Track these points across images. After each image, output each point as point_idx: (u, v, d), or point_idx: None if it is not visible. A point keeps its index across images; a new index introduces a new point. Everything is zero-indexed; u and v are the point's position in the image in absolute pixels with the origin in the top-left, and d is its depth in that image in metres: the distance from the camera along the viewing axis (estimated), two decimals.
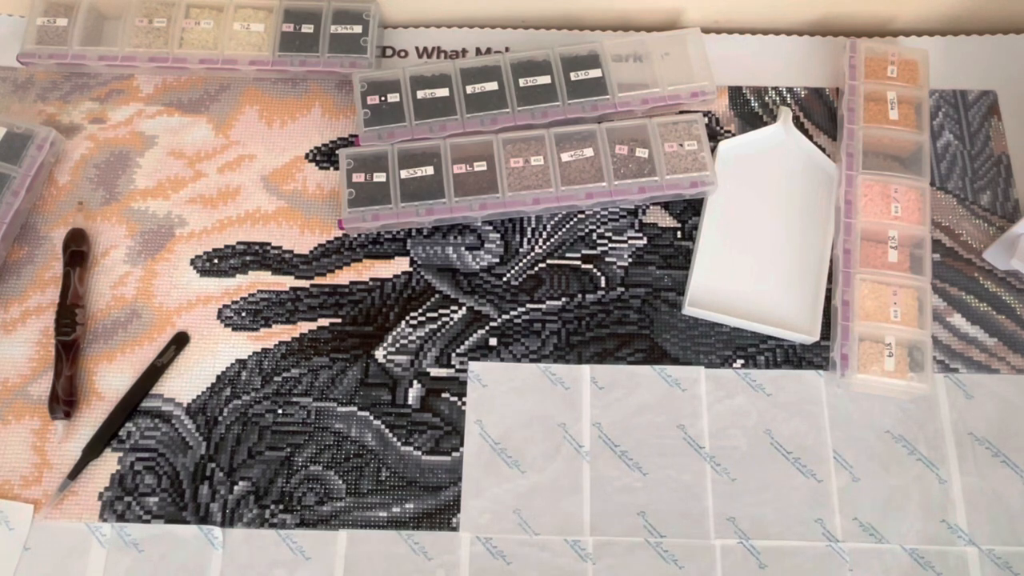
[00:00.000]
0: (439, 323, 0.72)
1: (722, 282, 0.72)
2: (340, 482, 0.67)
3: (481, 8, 0.84)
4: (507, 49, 0.83)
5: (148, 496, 0.66)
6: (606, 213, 0.76)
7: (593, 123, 0.76)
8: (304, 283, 0.73)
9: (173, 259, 0.74)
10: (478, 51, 0.83)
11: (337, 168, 0.77)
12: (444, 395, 0.69)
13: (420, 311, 0.72)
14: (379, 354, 0.71)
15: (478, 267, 0.74)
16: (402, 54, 0.83)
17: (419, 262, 0.74)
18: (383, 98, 0.76)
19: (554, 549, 0.64)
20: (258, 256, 0.74)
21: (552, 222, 0.76)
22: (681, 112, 0.79)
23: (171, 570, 0.64)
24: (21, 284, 0.73)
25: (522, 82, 0.77)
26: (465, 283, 0.73)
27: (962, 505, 0.66)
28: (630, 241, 0.75)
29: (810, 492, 0.66)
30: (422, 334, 0.71)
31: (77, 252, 0.72)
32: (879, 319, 0.68)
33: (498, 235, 0.75)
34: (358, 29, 0.80)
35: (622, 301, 0.73)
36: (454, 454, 0.67)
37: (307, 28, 0.79)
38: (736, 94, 0.81)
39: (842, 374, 0.68)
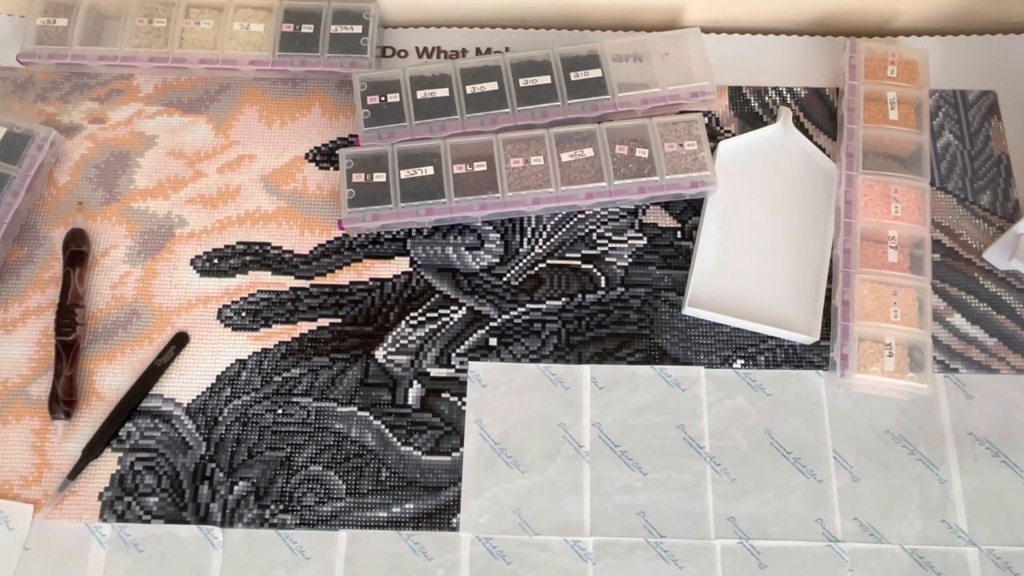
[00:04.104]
0: (439, 323, 0.72)
1: (722, 282, 0.72)
2: (340, 482, 0.67)
3: (481, 8, 0.84)
4: (507, 49, 0.83)
5: (148, 496, 0.66)
6: (606, 213, 0.76)
7: (593, 123, 0.76)
8: (304, 283, 0.73)
9: (173, 259, 0.74)
10: (478, 51, 0.83)
11: (337, 168, 0.77)
12: (444, 395, 0.69)
13: (420, 311, 0.72)
14: (379, 354, 0.71)
15: (478, 267, 0.74)
16: (402, 54, 0.83)
17: (419, 262, 0.74)
18: (383, 98, 0.76)
19: (554, 549, 0.64)
20: (258, 256, 0.74)
21: (552, 222, 0.76)
22: (681, 112, 0.79)
23: (171, 570, 0.64)
24: (21, 284, 0.73)
25: (522, 82, 0.77)
26: (465, 283, 0.73)
27: (962, 505, 0.66)
28: (630, 241, 0.75)
29: (810, 492, 0.66)
30: (422, 334, 0.71)
31: (77, 252, 0.72)
32: (879, 319, 0.68)
33: (498, 235, 0.75)
34: (358, 29, 0.80)
35: (622, 301, 0.73)
36: (454, 454, 0.67)
37: (307, 28, 0.79)
38: (736, 94, 0.81)
39: (842, 374, 0.68)
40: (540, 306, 0.73)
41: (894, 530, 0.65)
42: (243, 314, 0.72)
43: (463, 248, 0.75)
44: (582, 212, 0.76)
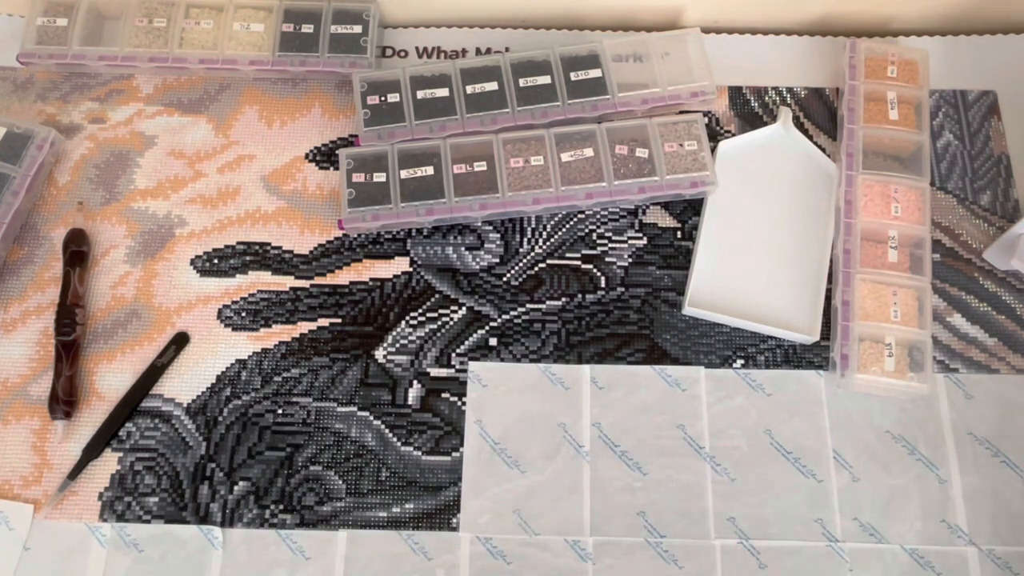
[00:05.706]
0: (439, 323, 0.72)
1: (722, 282, 0.72)
2: (340, 482, 0.67)
3: (481, 8, 0.84)
4: (507, 49, 0.83)
5: (148, 496, 0.66)
6: (606, 213, 0.76)
7: (593, 123, 0.76)
8: (304, 283, 0.73)
9: (173, 259, 0.74)
10: (478, 51, 0.83)
11: (337, 168, 0.77)
12: (444, 395, 0.69)
13: (420, 311, 0.72)
14: (379, 354, 0.71)
15: (478, 267, 0.74)
16: (402, 54, 0.83)
17: (419, 262, 0.74)
18: (383, 98, 0.76)
19: (554, 549, 0.64)
20: (258, 256, 0.74)
21: (552, 222, 0.76)
22: (681, 112, 0.79)
23: (171, 570, 0.64)
24: (21, 284, 0.73)
25: (522, 82, 0.77)
26: (465, 283, 0.73)
27: (962, 505, 0.66)
28: (630, 241, 0.75)
29: (810, 492, 0.66)
30: (422, 334, 0.71)
31: (77, 252, 0.72)
32: (879, 319, 0.68)
33: (498, 235, 0.75)
34: (358, 29, 0.80)
35: (622, 301, 0.73)
36: (454, 454, 0.67)
37: (307, 28, 0.79)
38: (736, 94, 0.81)
39: (842, 374, 0.68)
40: (540, 306, 0.73)
41: (894, 530, 0.65)
42: (243, 314, 0.72)
43: (463, 248, 0.75)
44: (582, 212, 0.76)
